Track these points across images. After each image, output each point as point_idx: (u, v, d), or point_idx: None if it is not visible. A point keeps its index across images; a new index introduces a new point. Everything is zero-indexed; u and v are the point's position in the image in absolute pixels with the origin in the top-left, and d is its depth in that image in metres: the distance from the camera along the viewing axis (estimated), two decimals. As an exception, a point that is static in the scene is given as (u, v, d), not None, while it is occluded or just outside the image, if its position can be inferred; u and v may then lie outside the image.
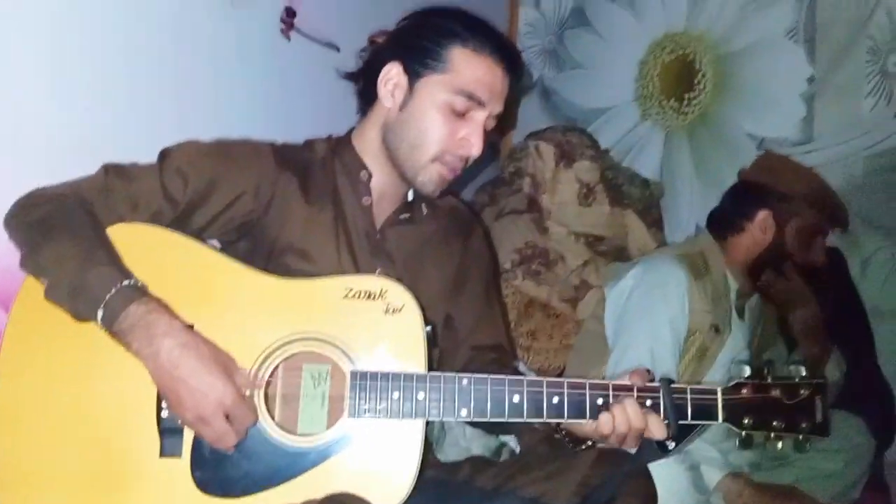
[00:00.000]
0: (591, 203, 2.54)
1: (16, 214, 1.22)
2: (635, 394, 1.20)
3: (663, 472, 1.40)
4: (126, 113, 1.58)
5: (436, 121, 1.33)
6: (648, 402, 1.20)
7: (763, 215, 1.99)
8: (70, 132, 1.46)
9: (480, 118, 1.34)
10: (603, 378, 1.89)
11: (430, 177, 1.35)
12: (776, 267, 2.04)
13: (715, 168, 2.90)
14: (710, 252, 2.00)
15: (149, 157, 1.33)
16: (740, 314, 2.01)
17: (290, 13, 1.98)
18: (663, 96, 3.03)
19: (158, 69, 1.65)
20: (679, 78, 2.98)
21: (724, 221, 2.06)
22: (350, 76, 1.48)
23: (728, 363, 1.94)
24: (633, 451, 1.25)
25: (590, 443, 1.26)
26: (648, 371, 1.25)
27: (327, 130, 1.53)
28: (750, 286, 2.03)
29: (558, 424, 1.27)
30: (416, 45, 1.36)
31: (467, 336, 1.50)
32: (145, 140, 1.52)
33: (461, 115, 1.33)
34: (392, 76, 1.37)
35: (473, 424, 1.57)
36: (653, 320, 1.88)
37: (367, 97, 1.44)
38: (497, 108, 1.36)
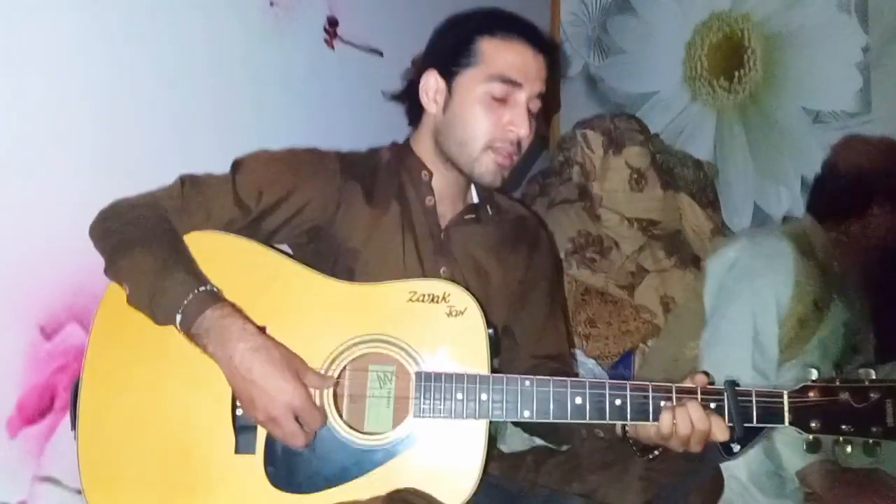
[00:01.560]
0: (642, 188, 2.52)
1: (98, 224, 1.30)
2: (699, 396, 1.19)
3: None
4: (174, 128, 1.63)
5: (478, 113, 1.36)
6: (713, 405, 1.19)
7: (874, 209, 1.93)
8: (125, 154, 1.53)
9: (522, 99, 1.36)
10: (696, 353, 1.91)
11: (487, 167, 1.37)
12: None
13: (770, 145, 2.84)
14: (814, 234, 1.98)
15: (200, 167, 1.39)
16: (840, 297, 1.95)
17: (332, 22, 2.02)
18: (712, 76, 2.97)
19: (203, 83, 1.70)
20: (727, 57, 2.93)
21: (835, 211, 2.01)
22: (396, 97, 1.52)
23: (825, 342, 1.90)
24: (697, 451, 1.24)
25: (657, 452, 1.25)
26: (707, 374, 1.24)
27: (373, 137, 1.57)
28: (860, 278, 1.97)
29: (625, 432, 1.27)
30: (446, 48, 1.41)
31: (529, 346, 1.52)
32: (196, 153, 1.59)
33: (502, 101, 1.35)
34: (431, 84, 1.41)
35: (534, 433, 1.56)
36: (755, 285, 1.87)
37: (415, 111, 1.48)
38: (537, 87, 1.38)
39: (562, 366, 1.52)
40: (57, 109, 1.40)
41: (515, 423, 1.60)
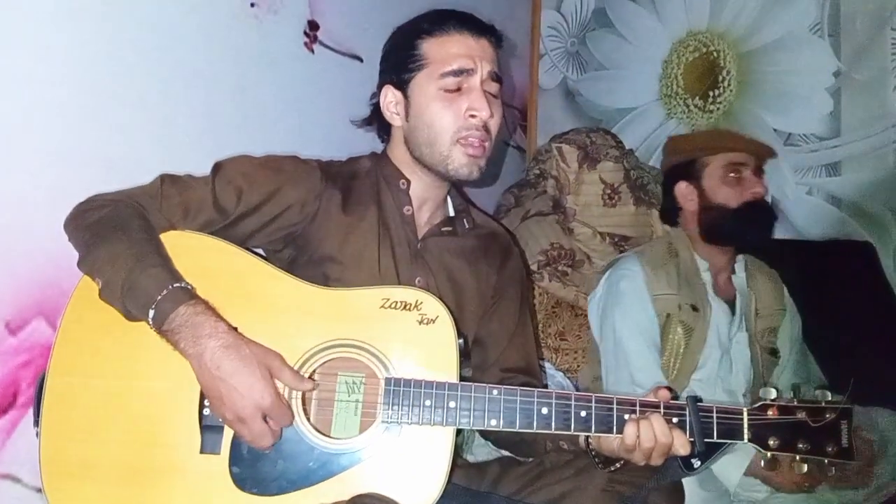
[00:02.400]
0: (615, 203, 2.54)
1: (74, 217, 1.29)
2: (662, 410, 1.21)
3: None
4: (152, 127, 1.62)
5: (436, 109, 1.38)
6: (675, 419, 1.21)
7: (679, 188, 2.04)
8: (97, 150, 1.51)
9: (476, 83, 1.38)
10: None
11: (459, 161, 1.38)
12: (725, 224, 1.97)
13: (741, 165, 2.89)
14: (678, 239, 2.05)
15: (178, 167, 1.39)
16: (716, 292, 2.00)
17: (313, 26, 2.03)
18: (688, 94, 3.03)
19: (183, 82, 1.69)
20: (703, 76, 2.98)
21: (668, 214, 2.14)
22: (364, 122, 1.55)
23: (724, 342, 1.96)
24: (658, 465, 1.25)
25: (619, 464, 1.27)
26: (671, 389, 1.25)
27: (351, 140, 1.58)
28: (722, 260, 2.03)
29: (588, 444, 1.28)
30: (393, 61, 1.44)
31: (498, 357, 1.53)
32: (174, 152, 1.58)
33: (457, 91, 1.37)
34: (389, 98, 1.44)
35: (499, 445, 1.57)
36: (623, 322, 1.95)
37: (385, 129, 1.51)
38: (486, 67, 1.39)
39: (531, 379, 1.53)
40: (28, 104, 1.38)
41: (483, 436, 1.61)
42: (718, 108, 2.96)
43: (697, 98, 3.00)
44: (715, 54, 2.94)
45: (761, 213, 1.96)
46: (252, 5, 1.85)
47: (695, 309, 1.94)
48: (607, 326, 1.99)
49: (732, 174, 1.96)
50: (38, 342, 1.40)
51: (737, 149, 1.99)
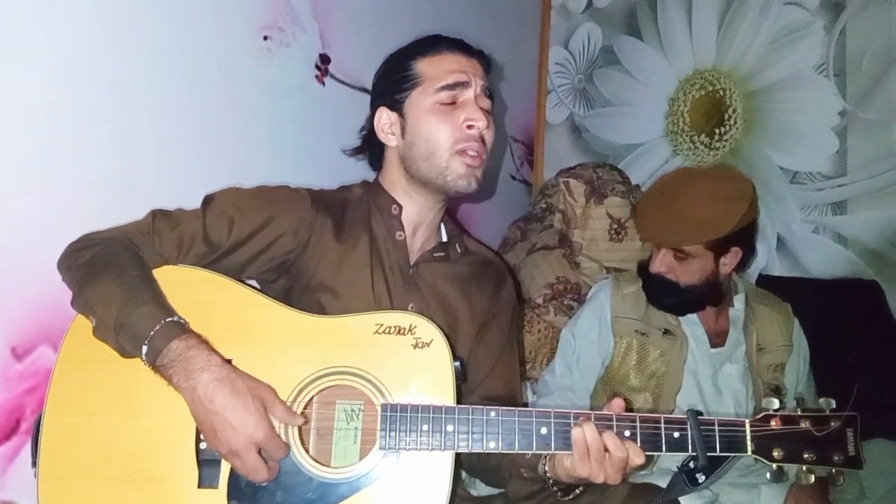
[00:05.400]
0: (621, 238, 2.55)
1: (66, 257, 1.30)
2: (662, 425, 1.20)
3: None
4: (165, 156, 1.64)
5: (433, 123, 1.40)
6: (676, 434, 1.19)
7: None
8: (109, 177, 1.52)
9: (470, 96, 1.41)
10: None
11: (458, 172, 1.40)
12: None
13: (747, 202, 2.89)
14: None
15: (187, 198, 1.41)
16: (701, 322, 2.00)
17: (324, 59, 2.06)
18: (694, 132, 3.04)
19: (196, 113, 1.71)
20: (709, 114, 3.00)
21: None
22: (355, 151, 1.58)
23: (704, 371, 1.96)
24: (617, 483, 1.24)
25: (578, 490, 1.26)
26: (626, 400, 1.26)
27: (361, 171, 1.59)
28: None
29: (545, 472, 1.27)
30: (387, 83, 1.47)
31: (480, 383, 1.52)
32: (187, 181, 1.59)
33: (452, 105, 1.40)
34: (383, 118, 1.47)
35: (471, 474, 1.58)
36: (573, 324, 2.07)
37: (375, 156, 1.53)
38: (479, 82, 1.43)
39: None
40: (39, 130, 1.40)
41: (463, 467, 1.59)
42: (724, 146, 2.97)
43: (703, 135, 3.01)
44: (721, 92, 2.96)
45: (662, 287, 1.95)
46: (265, 38, 1.88)
47: (666, 332, 1.96)
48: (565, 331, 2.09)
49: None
50: (44, 367, 1.41)
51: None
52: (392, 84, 1.45)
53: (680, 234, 1.88)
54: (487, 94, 1.45)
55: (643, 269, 2.00)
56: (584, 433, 1.16)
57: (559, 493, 1.27)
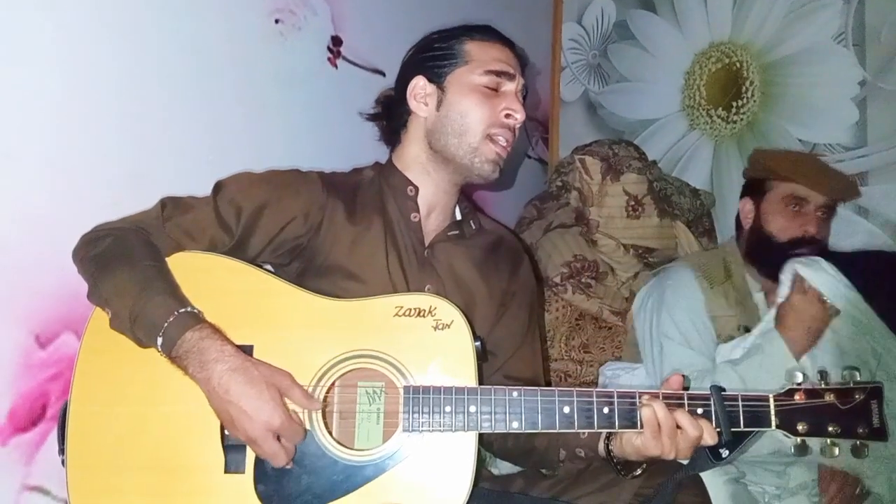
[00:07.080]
0: (639, 215, 2.53)
1: (79, 249, 1.30)
2: (686, 401, 1.20)
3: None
4: (177, 143, 1.64)
5: (475, 102, 1.42)
6: (699, 410, 1.20)
7: (742, 204, 2.01)
8: (123, 167, 1.53)
9: (513, 88, 1.44)
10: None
11: (486, 156, 1.42)
12: (765, 254, 1.91)
13: (766, 176, 2.86)
14: (732, 256, 2.01)
15: (201, 184, 1.41)
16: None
17: (336, 42, 2.05)
18: (711, 106, 3.01)
19: (208, 98, 1.71)
20: (726, 87, 2.96)
21: (737, 225, 2.08)
22: (374, 116, 1.57)
23: (784, 364, 1.87)
24: (685, 461, 1.25)
25: (639, 471, 1.26)
26: (684, 377, 1.25)
27: (374, 154, 1.59)
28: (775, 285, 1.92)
29: (609, 451, 1.27)
30: (430, 55, 1.47)
31: (503, 364, 1.52)
32: (199, 168, 1.60)
33: (494, 91, 1.42)
34: (420, 87, 1.46)
35: (508, 458, 1.56)
36: (674, 316, 1.90)
37: (394, 129, 1.52)
38: (521, 80, 1.47)
39: None
40: (54, 123, 1.41)
41: (489, 450, 1.58)
42: (742, 119, 2.93)
43: (720, 109, 2.98)
44: (738, 65, 2.92)
45: (806, 253, 1.82)
46: (277, 21, 1.87)
47: (748, 331, 1.87)
48: (656, 334, 1.94)
49: (793, 206, 1.90)
50: (67, 355, 1.42)
51: (811, 184, 1.89)
52: (436, 58, 1.46)
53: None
54: (524, 94, 1.48)
55: (763, 236, 1.90)
56: (656, 412, 1.17)
57: (621, 472, 1.28)
